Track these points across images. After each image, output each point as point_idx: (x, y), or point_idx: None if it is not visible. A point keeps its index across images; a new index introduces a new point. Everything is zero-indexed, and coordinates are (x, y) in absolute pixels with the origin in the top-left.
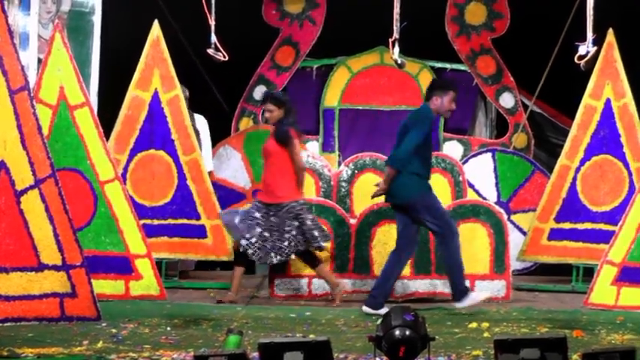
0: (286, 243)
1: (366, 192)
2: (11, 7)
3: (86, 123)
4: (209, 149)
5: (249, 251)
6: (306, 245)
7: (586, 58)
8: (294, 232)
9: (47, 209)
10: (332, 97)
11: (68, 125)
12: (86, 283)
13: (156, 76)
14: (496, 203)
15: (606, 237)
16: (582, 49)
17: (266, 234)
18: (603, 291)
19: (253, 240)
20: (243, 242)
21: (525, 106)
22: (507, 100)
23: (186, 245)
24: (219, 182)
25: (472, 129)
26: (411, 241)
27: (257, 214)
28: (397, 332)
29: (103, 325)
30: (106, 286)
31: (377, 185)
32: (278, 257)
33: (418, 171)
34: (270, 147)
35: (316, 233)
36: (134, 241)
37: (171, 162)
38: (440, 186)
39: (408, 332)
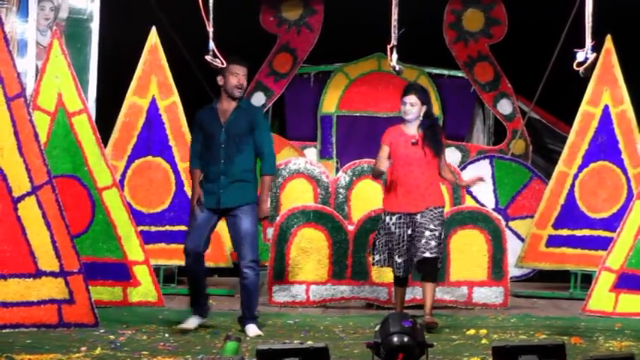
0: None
1: (364, 198)
2: (9, 14)
3: (84, 130)
4: None
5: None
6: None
7: (585, 65)
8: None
9: (44, 216)
10: (330, 104)
11: (66, 132)
12: (84, 290)
13: (153, 82)
14: (494, 210)
15: (604, 244)
16: (580, 56)
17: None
18: (601, 298)
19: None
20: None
21: (523, 113)
22: (505, 107)
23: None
24: None
25: (470, 135)
26: None
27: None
28: (395, 339)
29: (101, 331)
30: (103, 292)
31: None
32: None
33: None
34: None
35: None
36: (132, 247)
37: (168, 168)
38: None
39: (406, 339)
